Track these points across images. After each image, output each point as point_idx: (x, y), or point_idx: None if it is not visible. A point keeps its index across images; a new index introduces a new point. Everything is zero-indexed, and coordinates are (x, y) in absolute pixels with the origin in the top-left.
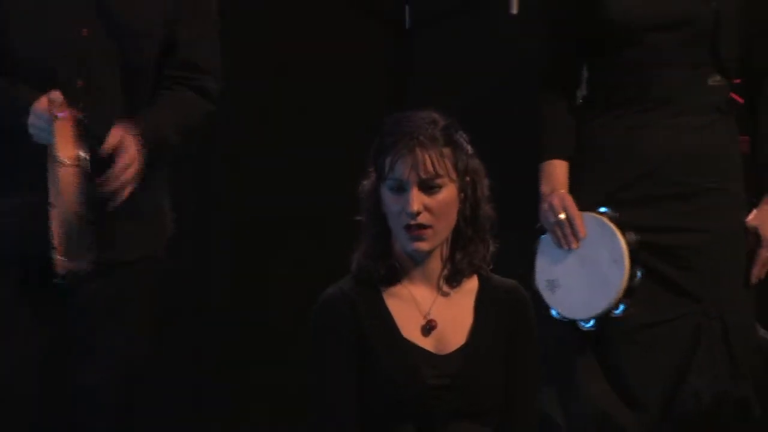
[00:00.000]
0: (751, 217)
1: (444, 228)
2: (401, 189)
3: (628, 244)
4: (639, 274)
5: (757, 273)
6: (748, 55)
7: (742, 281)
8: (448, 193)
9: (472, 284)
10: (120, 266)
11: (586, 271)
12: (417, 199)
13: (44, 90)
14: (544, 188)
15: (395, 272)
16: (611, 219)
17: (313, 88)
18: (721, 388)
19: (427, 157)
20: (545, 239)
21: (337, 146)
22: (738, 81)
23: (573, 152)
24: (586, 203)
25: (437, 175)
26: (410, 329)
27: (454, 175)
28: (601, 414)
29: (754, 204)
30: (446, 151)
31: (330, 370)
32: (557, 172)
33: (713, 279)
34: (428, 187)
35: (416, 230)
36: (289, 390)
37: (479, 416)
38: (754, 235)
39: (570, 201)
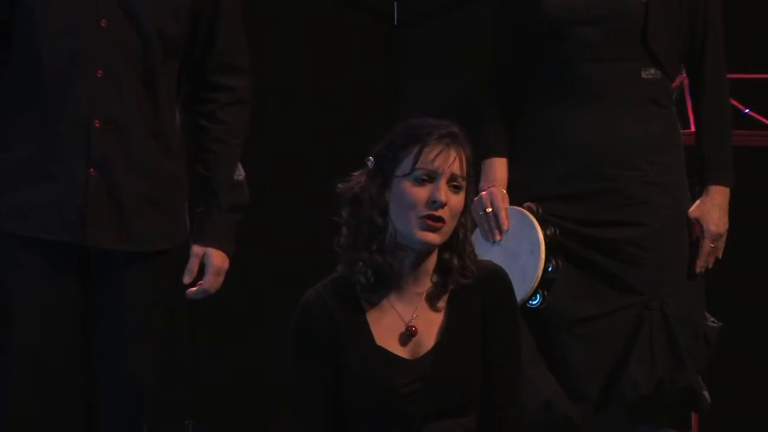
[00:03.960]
0: (693, 209)
1: (451, 229)
2: (429, 180)
3: (546, 236)
4: (551, 266)
5: (701, 263)
6: (688, 51)
7: (685, 272)
8: (464, 195)
9: None
10: (148, 257)
11: (508, 263)
12: (445, 192)
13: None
14: (482, 184)
15: (384, 274)
16: (531, 211)
17: (301, 83)
18: (659, 376)
19: (463, 153)
20: (476, 233)
21: (326, 141)
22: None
23: (511, 150)
24: (527, 198)
25: (463, 177)
26: (386, 336)
27: (467, 180)
28: (545, 403)
29: (696, 196)
30: (467, 155)
31: (306, 375)
32: (496, 169)
33: (654, 271)
34: (454, 185)
35: (434, 221)
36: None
37: (458, 413)
38: (697, 227)
39: (498, 195)
